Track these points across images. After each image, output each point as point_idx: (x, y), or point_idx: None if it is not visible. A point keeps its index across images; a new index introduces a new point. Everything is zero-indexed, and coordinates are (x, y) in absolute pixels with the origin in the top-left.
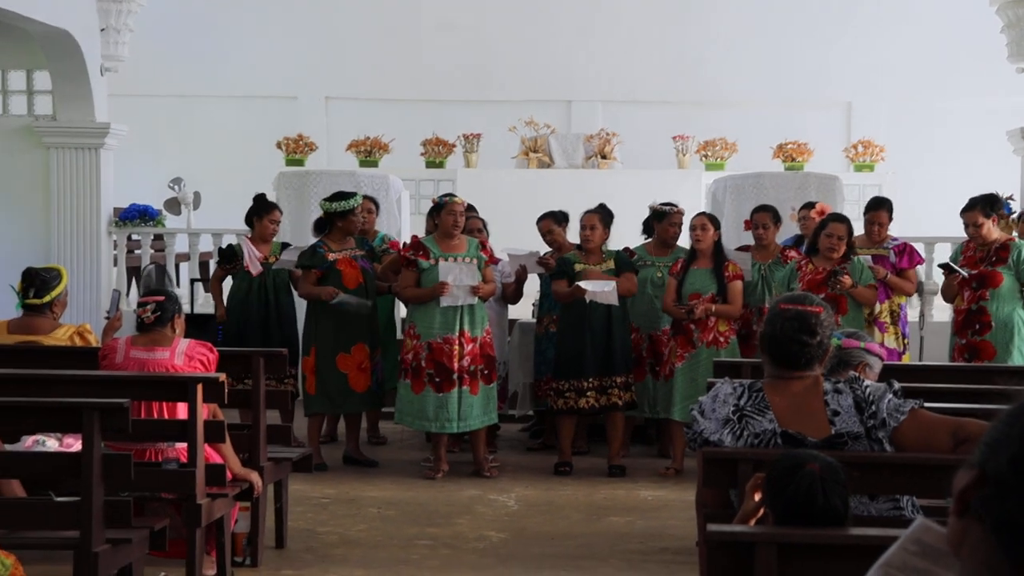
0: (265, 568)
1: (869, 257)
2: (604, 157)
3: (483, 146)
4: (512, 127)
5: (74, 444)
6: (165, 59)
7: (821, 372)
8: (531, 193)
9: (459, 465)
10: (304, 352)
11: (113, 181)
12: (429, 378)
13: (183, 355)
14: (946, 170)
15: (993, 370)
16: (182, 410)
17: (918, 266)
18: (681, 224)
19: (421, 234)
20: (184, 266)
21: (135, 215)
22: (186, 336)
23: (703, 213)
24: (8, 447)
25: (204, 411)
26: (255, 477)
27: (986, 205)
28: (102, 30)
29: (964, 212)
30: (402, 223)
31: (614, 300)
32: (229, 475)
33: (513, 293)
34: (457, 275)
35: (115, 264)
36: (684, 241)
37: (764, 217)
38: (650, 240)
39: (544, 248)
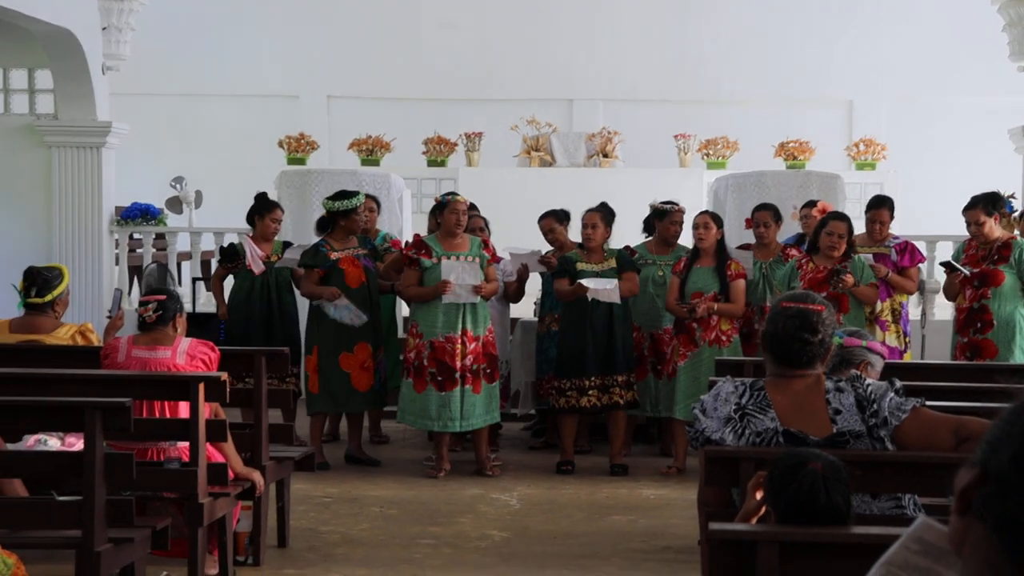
0: (267, 567)
1: (870, 256)
2: (606, 156)
3: (485, 145)
4: (514, 126)
5: (76, 443)
6: (167, 58)
7: (823, 371)
8: (533, 192)
9: (461, 464)
10: (307, 351)
11: (115, 180)
12: (431, 377)
13: (185, 354)
14: (948, 169)
15: (994, 368)
16: (184, 409)
17: (919, 264)
18: (682, 223)
19: (423, 233)
20: (186, 265)
21: (137, 214)
22: (188, 335)
23: (706, 212)
24: (10, 446)
25: (206, 410)
26: (257, 476)
27: (988, 203)
28: (104, 29)
29: (966, 210)
30: (404, 222)
31: (616, 298)
32: (231, 474)
33: (515, 292)
34: (459, 274)
35: (117, 263)
36: (685, 240)
37: (765, 216)
38: (651, 239)
39: (546, 247)
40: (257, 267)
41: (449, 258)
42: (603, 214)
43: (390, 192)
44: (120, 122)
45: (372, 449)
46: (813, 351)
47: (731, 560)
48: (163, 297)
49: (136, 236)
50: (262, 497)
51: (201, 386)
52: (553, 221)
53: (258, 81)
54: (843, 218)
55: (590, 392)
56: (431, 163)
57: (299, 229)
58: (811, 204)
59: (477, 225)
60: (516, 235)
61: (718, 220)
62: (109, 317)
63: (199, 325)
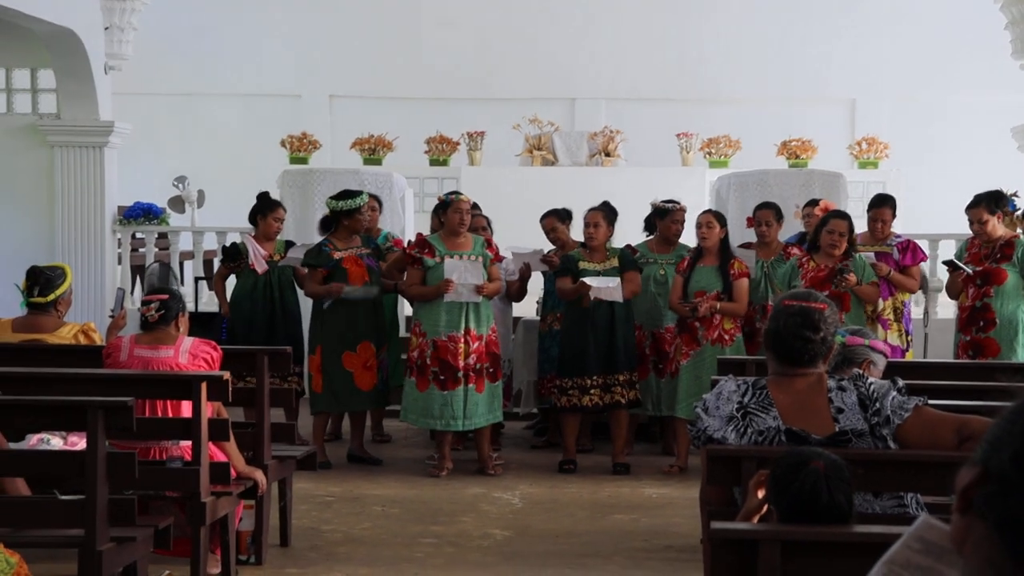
0: (269, 566)
1: (872, 254)
2: (608, 155)
3: (487, 144)
4: (516, 125)
5: (78, 442)
6: (169, 57)
7: (825, 369)
8: (535, 191)
9: (463, 463)
10: (310, 351)
11: (117, 179)
12: (434, 376)
13: (187, 353)
14: (950, 167)
15: (996, 367)
16: (186, 408)
17: (921, 263)
18: (683, 221)
19: (425, 232)
20: (188, 264)
21: (139, 213)
22: (190, 334)
23: (709, 211)
24: (13, 445)
25: (208, 409)
26: (259, 475)
27: (991, 202)
28: (106, 29)
29: (969, 209)
30: (406, 221)
31: (618, 297)
32: (233, 473)
33: (517, 291)
34: (462, 273)
35: (119, 262)
36: (686, 238)
37: (767, 214)
38: (652, 237)
39: (548, 246)
40: (260, 266)
41: (452, 257)
42: (605, 213)
43: (392, 191)
44: (123, 121)
45: (374, 448)
46: (815, 349)
47: (733, 559)
48: (165, 296)
49: (138, 235)
50: (264, 496)
51: (203, 385)
52: (555, 220)
53: (260, 80)
54: (844, 216)
55: (592, 391)
56: (433, 162)
57: (301, 228)
58: (813, 203)
59: (479, 224)
60: (518, 234)
61: (721, 219)
62: (111, 316)
63: (201, 324)
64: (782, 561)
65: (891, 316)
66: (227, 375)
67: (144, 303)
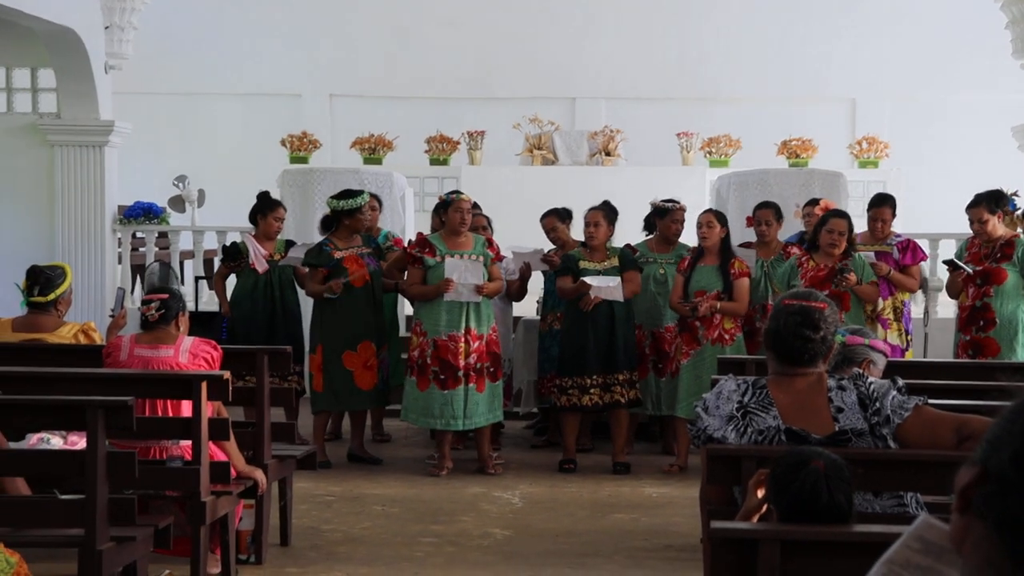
0: (269, 566)
1: (872, 253)
2: (608, 154)
3: (487, 143)
4: (516, 124)
5: (78, 442)
6: (169, 57)
7: (825, 369)
8: (535, 190)
9: (463, 462)
10: (311, 350)
11: (117, 179)
12: (434, 375)
13: (187, 353)
14: (950, 166)
15: (996, 367)
16: (186, 408)
17: (921, 262)
18: (683, 221)
19: (426, 231)
20: (188, 264)
21: (139, 213)
22: (191, 334)
23: (710, 210)
24: (13, 445)
25: (208, 409)
26: (259, 475)
27: (991, 201)
28: (106, 28)
29: (969, 208)
30: (406, 220)
31: (619, 296)
32: (233, 473)
33: (517, 290)
34: (462, 272)
35: (119, 262)
36: (686, 238)
37: (766, 214)
38: (652, 237)
39: (548, 245)
40: (260, 266)
41: (453, 256)
42: (606, 212)
43: (392, 191)
44: (123, 121)
45: (374, 447)
46: (815, 349)
47: (733, 558)
48: (166, 296)
49: (139, 235)
50: (264, 496)
51: (203, 385)
52: (555, 219)
53: (260, 80)
54: (843, 215)
55: (592, 390)
56: (433, 162)
57: (301, 228)
58: (814, 202)
59: (480, 224)
60: (518, 233)
61: (722, 219)
62: (112, 316)
63: (202, 324)
64: (782, 560)
65: (891, 316)
66: (227, 374)
67: (144, 302)
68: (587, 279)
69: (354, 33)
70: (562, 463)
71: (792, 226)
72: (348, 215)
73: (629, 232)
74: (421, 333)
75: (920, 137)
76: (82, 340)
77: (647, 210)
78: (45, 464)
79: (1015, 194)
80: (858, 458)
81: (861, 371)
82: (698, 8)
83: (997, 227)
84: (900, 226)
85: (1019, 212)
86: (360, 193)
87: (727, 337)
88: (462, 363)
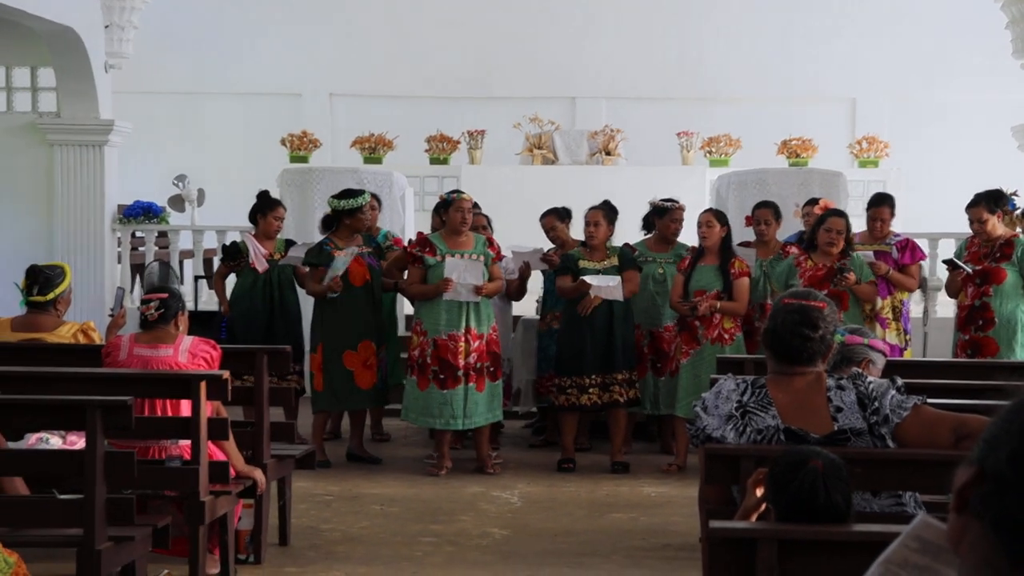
0: (268, 565)
1: (871, 253)
2: (608, 154)
3: (487, 143)
4: (516, 124)
5: (77, 442)
6: (169, 56)
7: (824, 368)
8: (535, 190)
9: (462, 462)
10: (311, 349)
11: (117, 178)
12: (434, 375)
13: (187, 352)
14: (950, 166)
15: (994, 366)
16: (185, 407)
17: (920, 262)
18: (682, 220)
19: (426, 231)
20: (188, 263)
21: (139, 212)
22: (190, 333)
23: (710, 210)
24: (11, 445)
25: (207, 408)
26: (258, 474)
27: (991, 201)
28: (106, 27)
29: (969, 208)
30: (406, 220)
31: (619, 295)
32: (232, 472)
33: (517, 290)
34: (461, 272)
35: (119, 261)
36: (684, 237)
37: (765, 213)
38: (650, 236)
39: (547, 245)
40: (260, 265)
41: (453, 256)
42: (606, 212)
43: (392, 190)
44: (123, 120)
45: (373, 447)
46: (813, 347)
47: (731, 558)
48: (165, 295)
49: (138, 234)
50: (263, 495)
51: (203, 384)
52: (555, 219)
53: (260, 79)
54: (841, 215)
55: (590, 390)
56: (433, 161)
57: (301, 227)
58: (813, 202)
59: (480, 223)
60: (518, 233)
61: (721, 218)
62: (111, 315)
63: (201, 323)
64: (780, 560)
65: (889, 315)
66: (226, 374)
67: (144, 302)
68: (587, 278)
69: (354, 32)
70: (560, 462)
71: (792, 226)
72: (349, 215)
73: (629, 232)
74: (421, 332)
75: (920, 137)
76: (81, 340)
77: (647, 210)
78: (44, 464)
79: (1014, 194)
80: (857, 457)
81: (860, 370)
82: (698, 8)
83: (996, 227)
84: (900, 226)
85: (1018, 212)
86: (361, 193)
87: (726, 337)
88: (462, 363)
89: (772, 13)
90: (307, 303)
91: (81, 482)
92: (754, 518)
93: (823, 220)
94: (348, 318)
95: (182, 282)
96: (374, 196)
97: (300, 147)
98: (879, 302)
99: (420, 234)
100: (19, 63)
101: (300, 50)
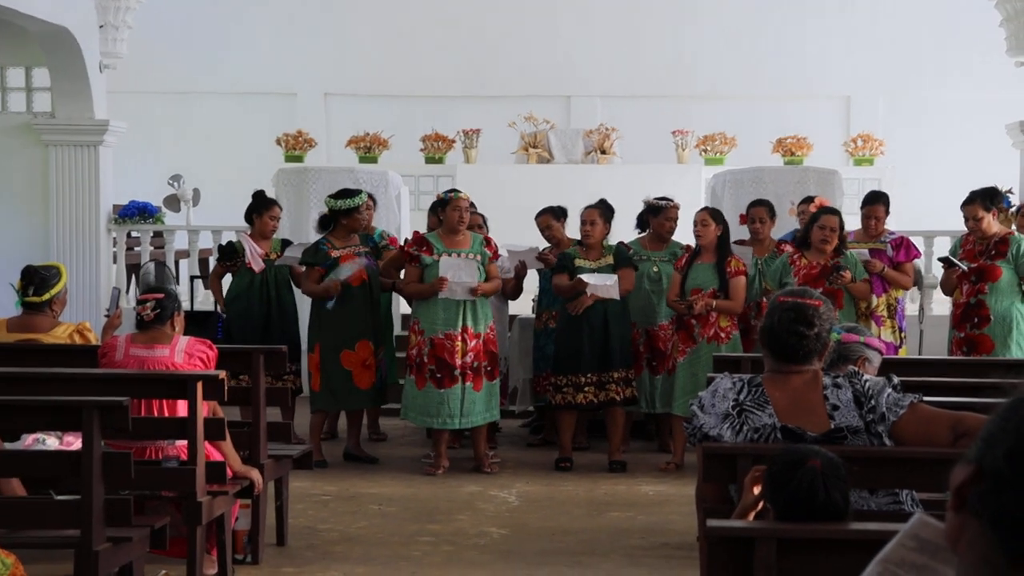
0: (266, 566)
1: (865, 251)
2: (603, 152)
3: (482, 142)
4: (511, 123)
5: (74, 442)
6: (164, 56)
7: (821, 367)
8: (530, 189)
9: (459, 461)
10: (309, 349)
11: (112, 178)
12: (431, 374)
13: (183, 353)
14: (945, 164)
15: (990, 364)
16: (182, 408)
17: (915, 260)
18: (677, 219)
19: (421, 230)
20: (184, 263)
21: (134, 212)
22: (186, 333)
23: (705, 208)
24: (8, 446)
25: (204, 409)
26: (255, 475)
27: (986, 199)
28: (101, 27)
29: (964, 205)
30: (401, 219)
31: (615, 294)
32: (229, 473)
33: (512, 289)
34: (456, 271)
35: (115, 261)
36: (679, 236)
37: (760, 212)
38: (645, 235)
39: (543, 244)
40: (257, 265)
41: (450, 255)
42: (602, 211)
43: (388, 189)
44: (117, 120)
45: (370, 447)
46: (809, 345)
47: (729, 556)
48: (161, 296)
49: (134, 234)
50: (261, 495)
51: (199, 384)
52: (550, 218)
53: (255, 78)
54: (834, 212)
55: (586, 388)
56: (429, 160)
57: (296, 227)
58: (809, 200)
59: (476, 222)
60: (514, 232)
61: (717, 217)
62: (107, 316)
63: (197, 323)
64: (778, 558)
65: (884, 313)
66: (223, 374)
67: (140, 302)
68: (584, 277)
69: (349, 32)
70: (558, 461)
71: (787, 224)
72: (346, 214)
73: (625, 230)
74: (419, 332)
75: (914, 135)
76: (77, 340)
77: (642, 208)
78: (41, 465)
79: (1009, 191)
80: (853, 456)
81: (856, 369)
82: (693, 6)
83: (992, 224)
84: (894, 223)
85: (1013, 209)
86: (358, 193)
87: (723, 335)
88: (459, 362)
89: (766, 11)
90: (304, 303)
91: (78, 483)
92: (752, 516)
93: (816, 218)
94: (346, 318)
95: (178, 282)
96: (370, 196)
97: (295, 147)
98: (874, 300)
99: (417, 233)
100: (13, 63)
101: (295, 49)
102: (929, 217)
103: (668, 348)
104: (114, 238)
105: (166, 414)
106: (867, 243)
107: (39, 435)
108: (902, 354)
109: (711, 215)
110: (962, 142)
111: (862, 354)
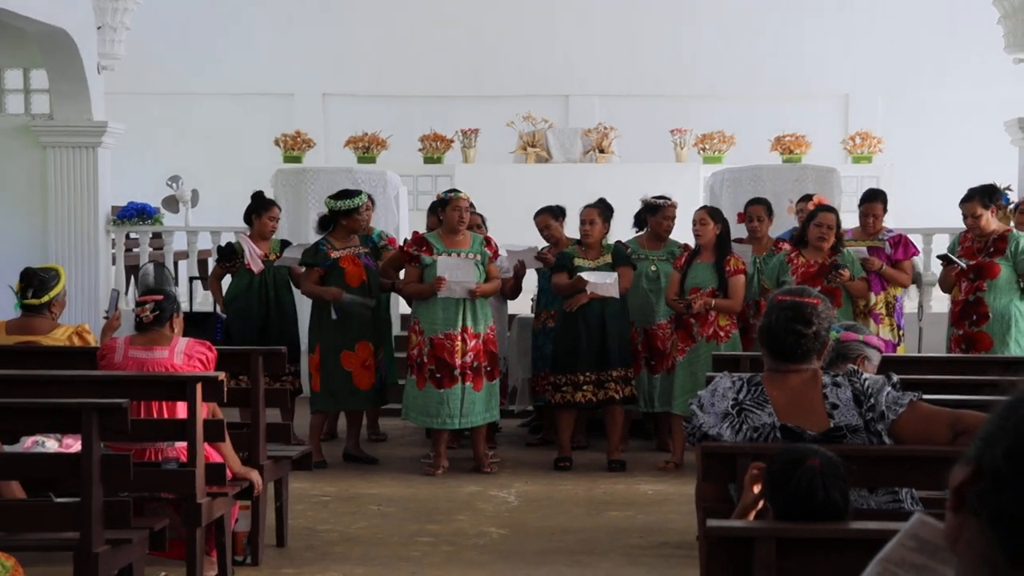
0: (266, 567)
1: (864, 249)
2: (602, 151)
3: (481, 141)
4: (510, 122)
5: (74, 445)
6: (162, 57)
7: (820, 365)
8: (529, 188)
9: (459, 461)
10: (309, 350)
11: (110, 180)
12: (430, 374)
13: (182, 354)
14: (944, 161)
15: (988, 361)
16: (181, 409)
17: (913, 257)
18: (674, 218)
19: (420, 230)
20: (183, 264)
21: (133, 214)
22: (185, 334)
23: (704, 207)
24: (7, 448)
25: (203, 410)
26: (255, 476)
27: (984, 196)
28: (99, 28)
29: (963, 203)
30: (400, 219)
31: (615, 292)
32: (229, 474)
33: (511, 288)
34: (453, 271)
35: (113, 263)
36: (678, 234)
37: (758, 210)
38: (643, 233)
39: (541, 243)
40: (256, 266)
41: (450, 255)
42: (601, 210)
43: (386, 189)
44: (116, 121)
45: (370, 447)
46: (807, 344)
47: (729, 556)
48: (160, 297)
49: (132, 236)
50: (260, 497)
51: (199, 386)
52: (549, 217)
53: (253, 79)
54: (831, 210)
55: (585, 387)
56: (427, 160)
57: (295, 227)
58: (807, 198)
59: (475, 222)
60: (512, 231)
61: (715, 215)
62: (106, 318)
63: (196, 324)
64: (778, 558)
65: (883, 310)
66: (222, 376)
67: (139, 304)
68: (584, 275)
69: (347, 32)
70: (557, 461)
71: (785, 222)
72: (346, 215)
73: (624, 229)
74: (419, 332)
75: (912, 132)
76: (76, 342)
77: (639, 207)
78: (40, 467)
79: (1008, 188)
80: (853, 454)
81: (856, 367)
82: (691, 5)
83: (990, 221)
84: (893, 221)
85: (1012, 206)
86: (358, 193)
87: (722, 334)
88: (458, 362)
89: (765, 10)
90: (303, 304)
91: (77, 485)
92: (752, 515)
93: (813, 216)
94: (346, 319)
95: (177, 283)
96: (368, 196)
97: (293, 147)
98: (872, 298)
99: (416, 233)
100: (11, 65)
101: (293, 50)
102: (927, 214)
103: (666, 347)
104: (113, 240)
105: (165, 416)
106: (865, 241)
107: (38, 437)
108: (900, 352)
109: (710, 214)
110: (961, 139)
111: (861, 352)
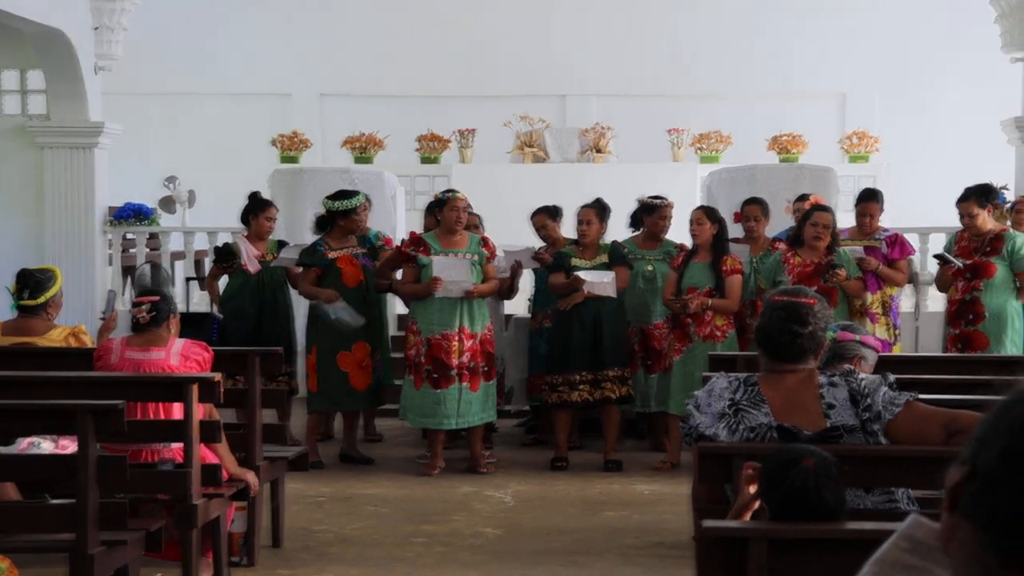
0: (261, 568)
1: (860, 248)
2: (599, 151)
3: (478, 141)
4: (507, 122)
5: (69, 446)
6: (159, 57)
7: (816, 365)
8: (526, 188)
9: (454, 461)
10: (307, 350)
11: (107, 180)
12: (427, 374)
13: (178, 355)
14: (940, 160)
15: (984, 361)
16: (177, 410)
17: (909, 256)
18: (670, 217)
19: (417, 230)
20: (179, 265)
21: (129, 214)
22: (182, 335)
23: (701, 207)
24: (3, 449)
25: (199, 411)
26: (251, 477)
27: (981, 195)
28: (95, 29)
29: (959, 202)
30: (397, 219)
31: (612, 292)
32: (225, 475)
33: (508, 289)
34: (449, 271)
35: (109, 264)
36: (674, 234)
37: (754, 210)
38: (639, 233)
39: (538, 243)
40: (253, 266)
41: (447, 255)
42: (598, 210)
43: (383, 190)
44: (112, 122)
45: (366, 447)
46: (803, 344)
47: (723, 556)
48: (156, 298)
49: (129, 236)
50: (256, 497)
51: (195, 387)
52: (545, 217)
53: (250, 79)
54: (826, 210)
55: (580, 387)
56: (424, 160)
57: (292, 228)
58: (804, 198)
59: (472, 223)
60: (509, 232)
61: (712, 215)
62: (102, 318)
63: (193, 325)
64: (771, 558)
65: (879, 310)
66: (218, 376)
67: (135, 305)
68: (581, 274)
69: (344, 32)
70: (553, 461)
71: (783, 222)
72: (343, 216)
73: (616, 229)
74: (416, 332)
75: (909, 132)
76: (72, 343)
77: (636, 207)
78: (35, 469)
79: (1004, 188)
80: (849, 454)
81: (852, 367)
82: (688, 5)
83: (987, 221)
84: (890, 220)
85: (1008, 206)
86: (356, 194)
87: (719, 334)
88: (455, 362)
89: (761, 9)
90: (300, 304)
91: (73, 486)
92: (748, 516)
93: (808, 216)
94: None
95: (173, 284)
96: (366, 196)
97: (290, 147)
98: (868, 297)
99: (413, 233)
100: (8, 65)
101: (290, 50)
102: (924, 214)
103: (663, 347)
104: (109, 240)
105: (161, 417)
106: (861, 240)
107: (34, 439)
108: (896, 351)
109: (706, 214)
110: (957, 139)
111: (857, 352)
